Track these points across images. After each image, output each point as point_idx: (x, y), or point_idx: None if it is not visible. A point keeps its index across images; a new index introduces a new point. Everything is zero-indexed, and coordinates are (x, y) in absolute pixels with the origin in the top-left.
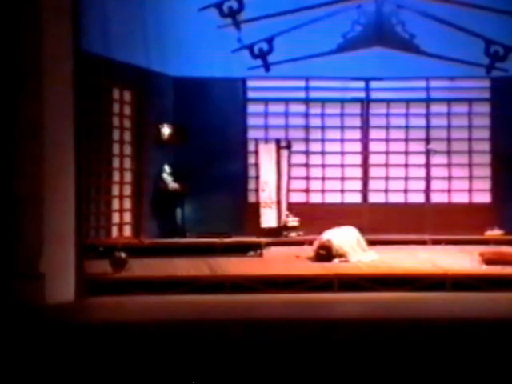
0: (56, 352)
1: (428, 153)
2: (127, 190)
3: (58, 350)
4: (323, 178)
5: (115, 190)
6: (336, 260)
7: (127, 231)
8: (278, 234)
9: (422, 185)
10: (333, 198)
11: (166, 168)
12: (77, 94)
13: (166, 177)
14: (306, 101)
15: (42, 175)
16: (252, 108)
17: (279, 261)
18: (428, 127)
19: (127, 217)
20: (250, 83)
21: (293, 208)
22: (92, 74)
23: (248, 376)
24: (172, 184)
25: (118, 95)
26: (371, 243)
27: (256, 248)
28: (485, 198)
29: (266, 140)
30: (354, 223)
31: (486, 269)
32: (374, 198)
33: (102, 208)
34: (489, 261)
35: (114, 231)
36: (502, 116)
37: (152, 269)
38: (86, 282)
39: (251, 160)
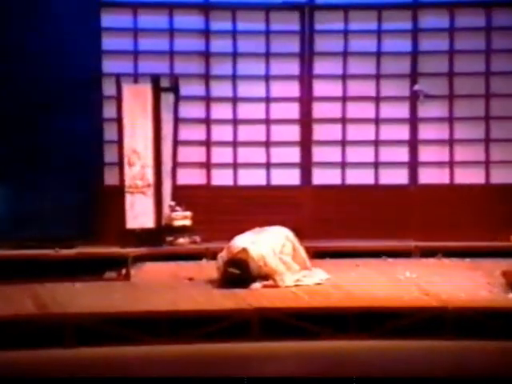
0: None
1: (414, 98)
2: None
3: None
4: (235, 144)
5: None
6: (257, 284)
7: None
8: (158, 241)
9: (404, 154)
10: (252, 178)
11: None
12: None
13: None
14: (206, 6)
15: None
16: (110, 20)
17: (159, 287)
18: (415, 53)
19: None
20: None
21: (183, 195)
22: None
23: None
24: None
25: None
26: (316, 255)
27: (118, 265)
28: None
29: (136, 77)
30: (287, 220)
31: None
32: (321, 177)
33: None
34: None
35: None
36: None
37: None
38: None
39: (109, 112)
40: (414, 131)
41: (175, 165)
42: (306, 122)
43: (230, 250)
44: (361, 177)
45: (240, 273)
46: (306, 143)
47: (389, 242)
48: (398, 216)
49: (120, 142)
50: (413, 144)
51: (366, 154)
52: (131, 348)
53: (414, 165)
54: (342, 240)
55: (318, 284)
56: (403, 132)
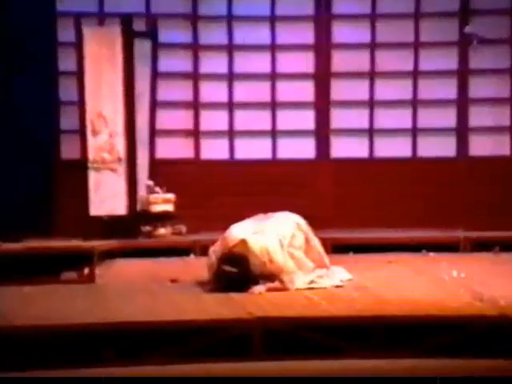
0: None
1: (465, 44)
2: None
3: None
4: (231, 106)
5: None
6: (259, 286)
7: None
8: (132, 231)
9: (450, 117)
10: (253, 151)
11: None
12: None
13: None
14: None
15: None
16: None
17: (133, 291)
18: None
19: None
20: None
21: (164, 172)
22: None
23: None
24: None
25: None
26: (337, 249)
27: (80, 263)
28: None
29: (101, 18)
30: (298, 205)
31: None
32: (342, 148)
33: None
34: None
35: None
36: None
37: None
38: None
39: (66, 64)
40: (463, 87)
41: (153, 133)
42: (322, 76)
43: (226, 243)
44: (394, 148)
45: (238, 272)
46: (322, 104)
47: (430, 232)
48: (443, 198)
49: (81, 103)
50: (462, 104)
51: (401, 118)
52: (97, 370)
53: (463, 131)
54: (370, 229)
55: (339, 286)
56: (450, 88)
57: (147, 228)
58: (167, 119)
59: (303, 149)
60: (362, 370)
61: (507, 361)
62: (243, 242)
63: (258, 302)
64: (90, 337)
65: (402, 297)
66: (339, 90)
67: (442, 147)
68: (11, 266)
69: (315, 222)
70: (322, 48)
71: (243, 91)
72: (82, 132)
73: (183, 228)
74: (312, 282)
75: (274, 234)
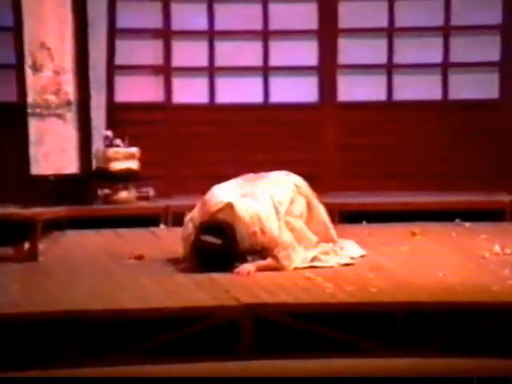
0: None
1: None
2: None
3: None
4: (212, 34)
5: None
6: (248, 264)
7: None
8: (85, 195)
9: (492, 49)
10: (239, 93)
11: None
12: None
13: None
14: None
15: None
16: None
17: (87, 272)
18: None
19: None
20: None
21: (126, 120)
22: None
23: None
24: None
25: None
26: (346, 217)
27: (18, 236)
28: None
29: None
30: (297, 161)
31: None
32: (352, 89)
33: None
34: None
35: None
36: None
37: None
38: None
39: None
40: (510, 10)
41: (112, 70)
42: None
43: (207, 208)
44: (419, 88)
45: (221, 244)
46: (328, 33)
47: (466, 196)
48: (481, 152)
49: (18, 30)
50: (507, 32)
51: (428, 51)
52: (33, 373)
53: (508, 67)
54: (388, 193)
55: (348, 265)
56: (492, 12)
57: (105, 191)
58: (130, 52)
59: (303, 90)
60: (375, 370)
61: None
62: (229, 206)
63: (247, 284)
64: (30, 329)
65: (428, 278)
66: (349, 14)
67: (480, 87)
68: None
69: (319, 184)
70: None
71: (227, 16)
72: (19, 67)
73: (151, 191)
74: (315, 259)
75: (267, 198)
